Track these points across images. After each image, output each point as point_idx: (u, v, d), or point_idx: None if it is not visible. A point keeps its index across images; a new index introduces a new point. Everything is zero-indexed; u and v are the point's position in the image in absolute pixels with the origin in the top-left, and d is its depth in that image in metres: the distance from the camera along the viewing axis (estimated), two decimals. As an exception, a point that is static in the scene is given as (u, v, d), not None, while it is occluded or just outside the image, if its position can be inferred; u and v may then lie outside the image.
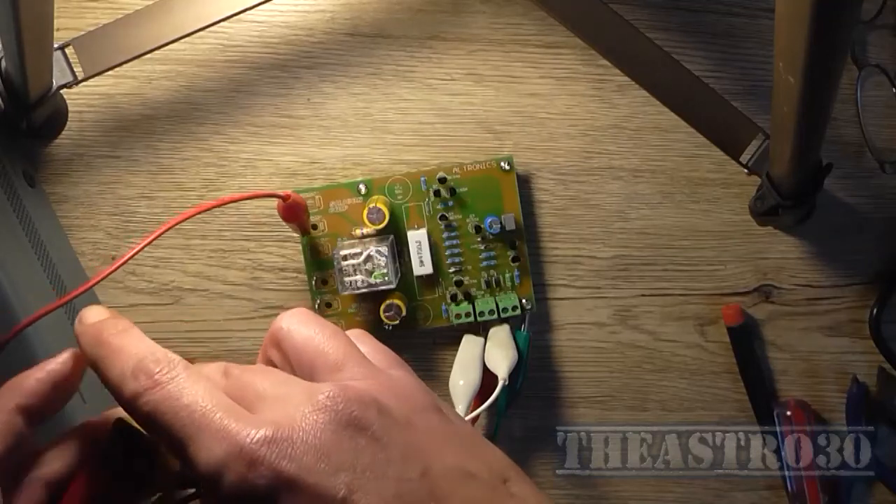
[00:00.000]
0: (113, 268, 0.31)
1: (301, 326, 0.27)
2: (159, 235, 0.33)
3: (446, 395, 0.46)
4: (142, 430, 0.26)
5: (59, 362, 0.27)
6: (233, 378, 0.25)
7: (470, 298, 0.47)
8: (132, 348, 0.25)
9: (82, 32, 0.44)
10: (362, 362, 0.26)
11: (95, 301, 0.47)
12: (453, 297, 0.47)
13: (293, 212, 0.43)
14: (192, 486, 0.27)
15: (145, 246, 0.32)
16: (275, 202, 0.43)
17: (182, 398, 0.23)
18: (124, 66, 0.44)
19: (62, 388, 0.27)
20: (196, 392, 0.23)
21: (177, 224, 0.34)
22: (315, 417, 0.23)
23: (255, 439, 0.22)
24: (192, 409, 0.23)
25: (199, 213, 0.36)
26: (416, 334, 0.48)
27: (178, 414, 0.23)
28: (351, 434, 0.23)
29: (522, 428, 0.49)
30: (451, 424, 0.26)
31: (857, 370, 0.49)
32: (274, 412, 0.23)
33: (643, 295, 0.49)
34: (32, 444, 0.26)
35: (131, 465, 0.26)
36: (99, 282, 0.30)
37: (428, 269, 0.46)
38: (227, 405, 0.23)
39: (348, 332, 0.28)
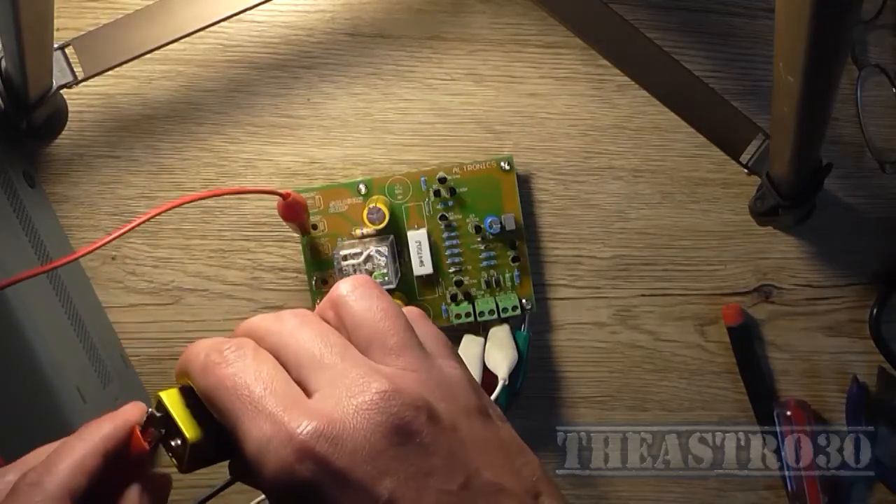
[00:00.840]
0: (110, 238, 0.31)
1: (362, 297, 0.26)
2: (155, 215, 0.33)
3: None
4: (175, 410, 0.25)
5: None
6: (300, 338, 0.25)
7: (470, 298, 0.47)
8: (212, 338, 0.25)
9: (82, 32, 0.44)
10: (418, 351, 0.25)
11: (91, 295, 0.47)
12: (453, 297, 0.47)
13: (293, 211, 0.43)
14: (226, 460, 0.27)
15: (144, 221, 0.32)
16: (275, 202, 0.43)
17: (244, 378, 0.23)
18: (124, 66, 0.44)
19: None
20: (259, 373, 0.23)
21: (175, 206, 0.34)
22: (367, 416, 0.23)
23: (305, 431, 0.22)
24: (251, 390, 0.23)
25: (200, 199, 0.36)
26: (416, 334, 0.48)
27: (238, 392, 0.23)
28: (401, 439, 0.23)
29: (522, 428, 0.49)
30: (492, 429, 0.25)
31: (857, 370, 0.49)
32: (327, 399, 0.23)
33: (643, 295, 0.49)
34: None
35: (168, 444, 0.26)
36: (88, 253, 0.30)
37: (428, 269, 0.46)
38: (285, 390, 0.23)
39: (405, 310, 0.28)
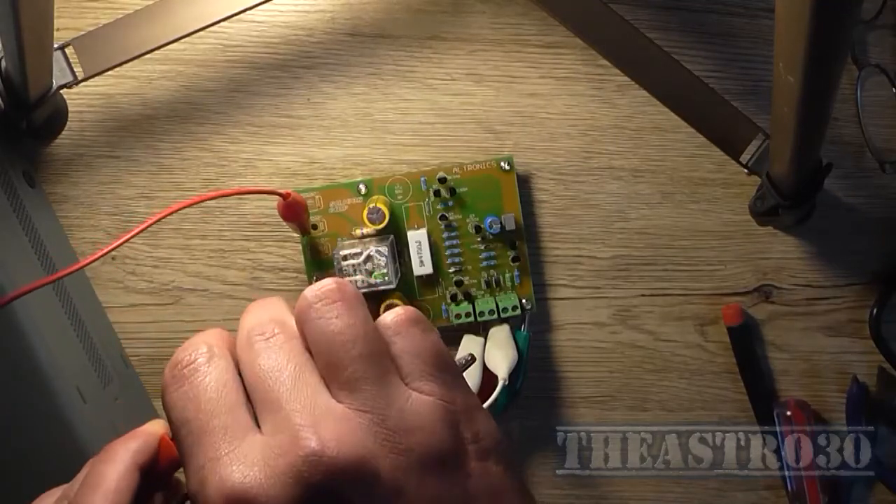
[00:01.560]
0: (109, 248, 0.31)
1: (323, 314, 0.23)
2: (157, 221, 0.33)
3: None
4: None
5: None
6: (256, 358, 0.23)
7: (470, 298, 0.47)
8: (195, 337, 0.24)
9: (82, 32, 0.44)
10: (374, 385, 0.22)
11: (91, 295, 0.47)
12: (453, 297, 0.47)
13: (293, 211, 0.43)
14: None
15: (145, 228, 0.32)
16: (275, 202, 0.43)
17: (195, 399, 0.22)
18: (124, 66, 0.44)
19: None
20: (209, 394, 0.22)
21: (177, 211, 0.34)
22: (286, 484, 0.20)
23: (225, 485, 0.21)
24: (197, 416, 0.22)
25: (200, 201, 0.36)
26: (416, 334, 0.48)
27: (186, 416, 0.22)
28: None
29: (522, 428, 0.49)
30: (457, 482, 0.22)
31: (857, 370, 0.49)
32: (262, 450, 0.21)
33: (643, 295, 0.49)
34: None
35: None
36: (93, 261, 0.30)
37: (428, 269, 0.46)
38: (228, 423, 0.22)
39: (397, 313, 0.25)
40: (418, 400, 0.23)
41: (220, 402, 0.22)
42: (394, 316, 0.25)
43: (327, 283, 0.24)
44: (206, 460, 0.21)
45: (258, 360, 0.23)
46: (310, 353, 0.24)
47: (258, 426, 0.22)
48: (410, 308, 0.25)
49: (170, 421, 0.23)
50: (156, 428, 0.26)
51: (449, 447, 0.23)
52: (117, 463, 0.24)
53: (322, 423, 0.21)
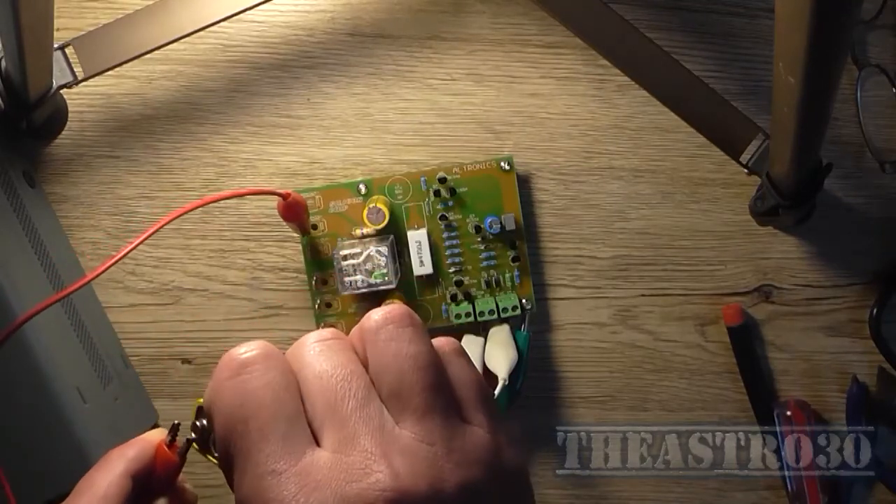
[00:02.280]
0: (112, 261, 0.31)
1: (392, 338, 0.23)
2: (157, 230, 0.33)
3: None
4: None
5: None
6: (320, 372, 0.22)
7: (470, 298, 0.47)
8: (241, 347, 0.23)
9: (82, 32, 0.44)
10: (442, 417, 0.22)
11: (94, 299, 0.47)
12: (453, 297, 0.47)
13: (293, 211, 0.43)
14: None
15: (144, 240, 0.32)
16: (275, 202, 0.43)
17: (252, 396, 0.21)
18: (124, 66, 0.44)
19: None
20: (270, 395, 0.21)
21: (176, 218, 0.34)
22: None
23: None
24: (258, 419, 0.21)
25: (201, 206, 0.36)
26: (416, 334, 0.48)
27: (245, 415, 0.21)
28: None
29: (522, 428, 0.49)
30: None
31: (857, 370, 0.49)
32: (324, 470, 0.21)
33: (643, 295, 0.49)
34: None
35: (207, 447, 0.25)
36: (96, 277, 0.30)
37: (428, 269, 0.46)
38: (288, 432, 0.21)
39: (440, 343, 0.24)
40: (475, 434, 0.23)
41: (282, 408, 0.22)
42: (440, 345, 0.24)
43: (397, 308, 0.24)
44: (267, 472, 0.21)
45: (322, 367, 0.22)
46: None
47: (315, 438, 0.22)
48: (452, 339, 0.25)
49: (218, 412, 0.22)
50: (154, 436, 0.26)
51: (498, 479, 0.23)
52: (109, 470, 0.25)
53: (392, 452, 0.21)
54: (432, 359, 0.23)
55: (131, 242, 0.33)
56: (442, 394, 0.23)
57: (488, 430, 0.24)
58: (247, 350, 0.23)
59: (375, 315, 0.24)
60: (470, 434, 0.23)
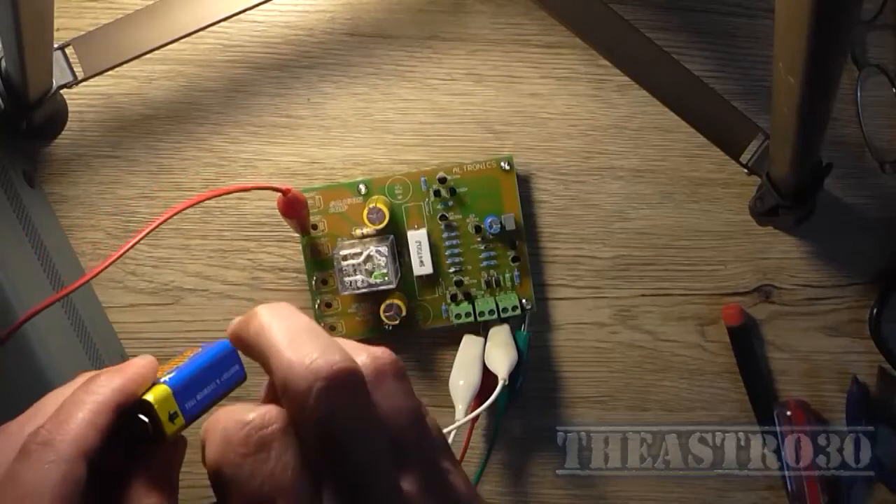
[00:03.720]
0: (112, 259, 0.31)
1: (400, 383, 0.22)
2: (157, 226, 0.33)
3: (446, 396, 0.46)
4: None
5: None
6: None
7: (470, 298, 0.47)
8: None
9: (82, 32, 0.44)
10: (437, 466, 0.22)
11: (94, 299, 0.47)
12: (453, 297, 0.47)
13: (293, 207, 0.43)
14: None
15: (143, 237, 0.32)
16: (275, 202, 0.43)
17: (270, 478, 0.20)
18: (124, 66, 0.44)
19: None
20: (289, 478, 0.20)
21: (177, 213, 0.34)
22: None
23: None
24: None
25: (200, 202, 0.36)
26: (416, 334, 0.48)
27: (263, 498, 0.20)
28: None
29: (522, 428, 0.49)
30: None
31: (857, 370, 0.49)
32: None
33: (643, 295, 0.49)
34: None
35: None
36: (95, 276, 0.30)
37: (428, 269, 0.46)
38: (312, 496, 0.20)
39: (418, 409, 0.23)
40: (458, 476, 0.22)
41: (302, 493, 0.20)
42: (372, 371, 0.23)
43: (386, 357, 0.22)
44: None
45: (339, 430, 0.20)
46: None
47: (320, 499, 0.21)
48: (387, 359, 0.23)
49: (233, 486, 0.21)
50: (143, 366, 0.25)
51: None
52: (95, 396, 0.23)
53: None
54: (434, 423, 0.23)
55: (131, 240, 0.33)
56: (446, 448, 0.22)
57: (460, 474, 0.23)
58: (260, 417, 0.21)
59: (381, 358, 0.22)
60: (455, 477, 0.22)
